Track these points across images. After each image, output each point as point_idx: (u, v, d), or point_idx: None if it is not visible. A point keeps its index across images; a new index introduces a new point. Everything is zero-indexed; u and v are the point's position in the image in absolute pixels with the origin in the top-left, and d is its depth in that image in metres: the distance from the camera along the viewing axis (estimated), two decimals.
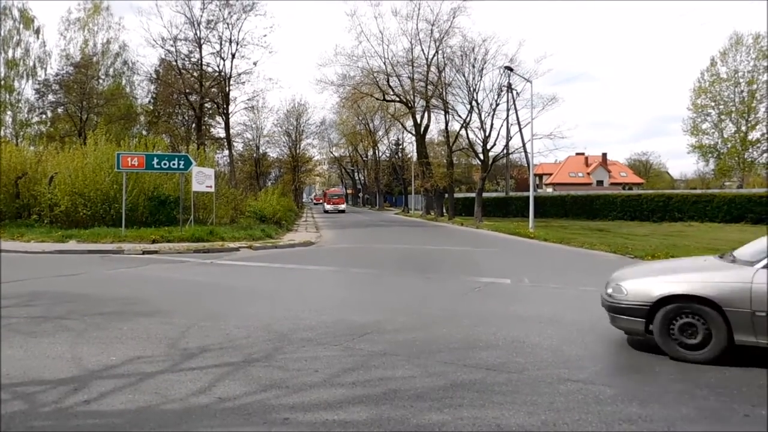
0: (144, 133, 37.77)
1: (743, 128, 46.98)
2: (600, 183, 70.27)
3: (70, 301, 8.14)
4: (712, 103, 48.61)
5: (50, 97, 37.71)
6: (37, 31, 39.01)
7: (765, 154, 46.46)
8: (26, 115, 39.28)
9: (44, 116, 39.67)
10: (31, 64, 38.68)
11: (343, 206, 54.50)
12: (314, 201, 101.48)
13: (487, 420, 3.78)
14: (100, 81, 39.95)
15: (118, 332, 6.19)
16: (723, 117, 48.18)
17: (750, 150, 47.21)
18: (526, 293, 9.21)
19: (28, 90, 39.02)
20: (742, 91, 46.73)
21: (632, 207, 34.32)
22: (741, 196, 29.97)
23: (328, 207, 54.06)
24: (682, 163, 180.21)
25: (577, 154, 69.02)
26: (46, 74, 38.92)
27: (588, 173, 73.40)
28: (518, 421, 3.78)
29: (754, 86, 45.88)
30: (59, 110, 38.49)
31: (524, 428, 3.67)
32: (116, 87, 40.89)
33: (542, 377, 4.70)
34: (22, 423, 3.72)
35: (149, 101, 42.37)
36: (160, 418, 3.85)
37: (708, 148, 49.72)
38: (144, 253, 14.94)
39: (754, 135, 46.99)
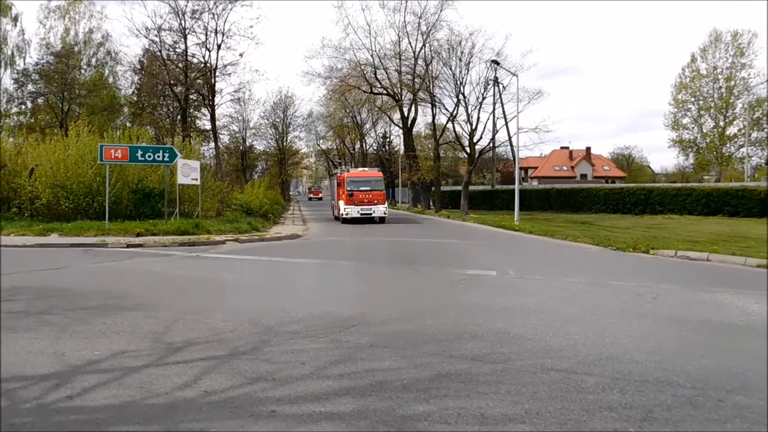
0: (128, 124, 37.20)
1: (721, 123, 47.95)
2: (584, 176, 71.04)
3: (52, 295, 8.04)
4: (692, 99, 49.49)
5: (30, 87, 36.95)
6: (15, 19, 38.11)
7: (742, 149, 47.41)
8: (5, 106, 38.42)
9: (24, 107, 38.86)
10: (9, 53, 37.79)
11: (383, 208, 26.31)
12: (311, 195, 78.93)
13: (472, 410, 3.84)
14: (82, 71, 39.23)
15: (101, 327, 6.14)
16: (702, 112, 49.11)
17: (727, 144, 48.23)
18: (512, 285, 9.31)
19: (6, 80, 38.14)
20: (720, 88, 47.63)
21: (615, 200, 34.80)
22: (719, 189, 30.58)
23: (348, 210, 25.81)
24: (663, 157, 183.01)
25: (562, 147, 69.71)
26: (25, 64, 38.12)
27: (572, 167, 74.16)
28: (502, 410, 3.84)
29: (732, 83, 46.78)
30: (39, 101, 37.73)
31: (508, 417, 3.73)
32: (99, 77, 40.16)
33: (526, 367, 4.78)
34: (3, 420, 3.68)
35: (133, 92, 41.74)
36: (145, 412, 3.84)
37: (688, 142, 50.67)
38: (128, 246, 14.77)
39: (731, 130, 48.10)
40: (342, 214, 26.12)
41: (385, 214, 26.32)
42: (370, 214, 25.95)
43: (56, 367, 4.75)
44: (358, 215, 25.75)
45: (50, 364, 4.85)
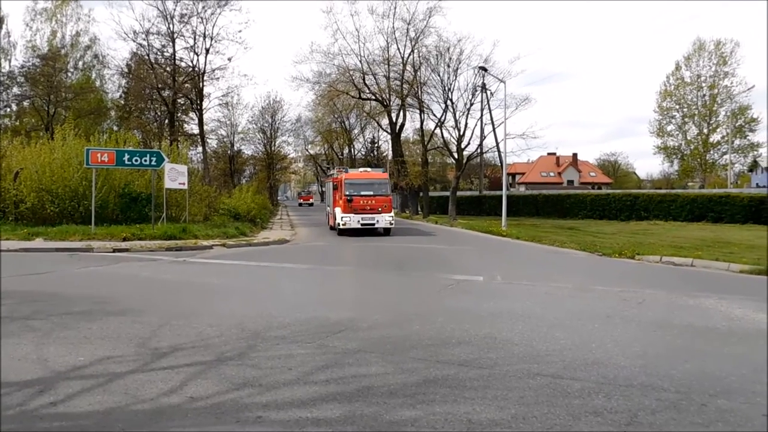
0: (115, 128, 36.86)
1: (705, 131, 48.75)
2: (570, 182, 71.69)
3: (36, 300, 7.93)
4: (677, 106, 50.27)
5: (15, 89, 36.51)
6: (1, 21, 37.68)
7: (725, 156, 48.24)
8: None
9: (9, 110, 38.39)
10: None
11: (388, 217, 21.54)
12: (301, 200, 73.02)
13: (458, 415, 3.86)
14: (69, 74, 38.85)
15: (86, 332, 6.07)
16: (686, 120, 49.91)
17: (711, 152, 49.04)
18: (499, 290, 9.37)
19: None
20: (704, 95, 48.46)
21: (601, 206, 35.16)
22: (702, 196, 31.08)
23: (345, 219, 21.21)
24: (648, 163, 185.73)
25: (549, 154, 70.29)
26: (10, 66, 37.64)
27: (559, 173, 74.82)
28: (489, 415, 3.86)
29: (715, 90, 47.64)
30: (25, 104, 37.31)
31: (495, 422, 3.75)
32: (86, 81, 39.80)
33: (513, 372, 4.81)
34: None
35: (120, 96, 41.40)
36: (130, 418, 3.80)
37: (672, 149, 51.40)
38: (114, 251, 14.62)
39: (714, 137, 48.91)
40: (338, 224, 21.29)
41: (391, 224, 21.44)
42: (373, 224, 21.16)
43: (40, 373, 4.69)
44: (358, 226, 20.94)
45: (34, 370, 4.78)
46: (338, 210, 21.68)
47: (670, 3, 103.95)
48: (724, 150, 48.31)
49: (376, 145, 59.90)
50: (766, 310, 7.52)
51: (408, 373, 4.78)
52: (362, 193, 21.41)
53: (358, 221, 21.00)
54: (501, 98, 28.82)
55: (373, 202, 21.35)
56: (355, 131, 59.22)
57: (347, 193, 21.31)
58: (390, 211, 21.64)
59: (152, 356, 5.22)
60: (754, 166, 51.50)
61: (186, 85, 33.58)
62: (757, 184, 49.62)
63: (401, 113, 38.88)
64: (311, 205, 68.23)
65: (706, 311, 7.55)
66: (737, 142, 47.72)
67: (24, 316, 6.79)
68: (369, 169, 26.46)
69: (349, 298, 8.85)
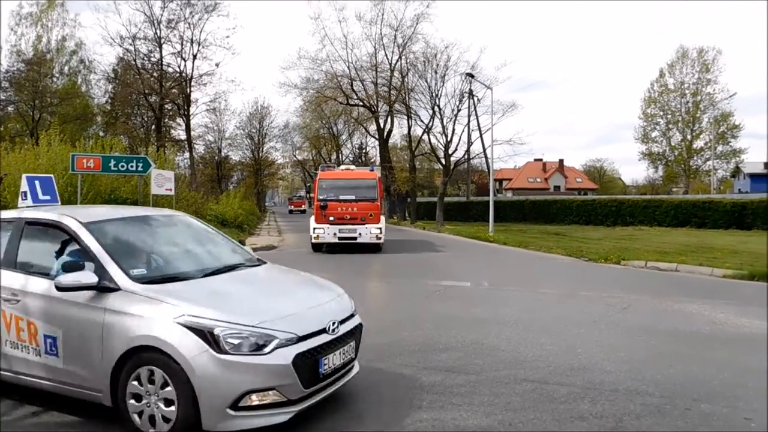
0: (101, 134, 36.51)
1: (689, 137, 49.58)
2: (557, 188, 72.35)
3: None
4: (661, 113, 51.11)
5: None
6: None
7: (708, 162, 49.07)
8: None
9: None
10: None
11: (376, 229, 16.65)
12: (291, 207, 68.87)
13: (446, 421, 3.87)
14: (54, 79, 38.38)
15: None
16: (671, 126, 50.74)
17: (694, 158, 49.88)
18: (486, 296, 9.42)
19: None
20: (687, 102, 49.33)
21: (587, 212, 35.48)
22: (686, 201, 31.49)
23: (318, 231, 16.66)
24: (633, 169, 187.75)
25: (536, 160, 70.86)
26: None
27: (546, 179, 75.50)
28: (476, 421, 3.88)
29: (699, 97, 48.53)
30: (9, 109, 36.75)
31: (482, 428, 3.78)
32: (71, 86, 39.31)
33: (500, 378, 4.83)
34: None
35: (107, 101, 40.97)
36: (110, 430, 3.76)
37: (657, 155, 52.18)
38: None
39: (698, 144, 49.77)
40: (311, 237, 16.95)
41: (378, 238, 16.71)
42: (354, 237, 16.58)
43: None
44: (335, 240, 16.63)
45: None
46: (312, 219, 17.23)
47: (654, 10, 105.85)
48: (707, 156, 49.16)
49: (363, 150, 59.95)
50: (766, 316, 7.46)
51: (395, 379, 4.78)
52: (341, 197, 16.80)
53: (335, 234, 16.58)
54: (488, 104, 28.97)
55: (355, 209, 16.68)
56: (343, 137, 59.28)
57: (321, 197, 16.84)
58: (378, 222, 16.80)
59: None
60: (736, 171, 52.47)
61: (173, 90, 33.41)
62: (739, 189, 50.53)
63: (389, 119, 38.99)
64: (303, 212, 64.57)
65: (690, 316, 7.65)
66: (720, 148, 48.58)
67: None
68: (353, 167, 20.85)
69: None
